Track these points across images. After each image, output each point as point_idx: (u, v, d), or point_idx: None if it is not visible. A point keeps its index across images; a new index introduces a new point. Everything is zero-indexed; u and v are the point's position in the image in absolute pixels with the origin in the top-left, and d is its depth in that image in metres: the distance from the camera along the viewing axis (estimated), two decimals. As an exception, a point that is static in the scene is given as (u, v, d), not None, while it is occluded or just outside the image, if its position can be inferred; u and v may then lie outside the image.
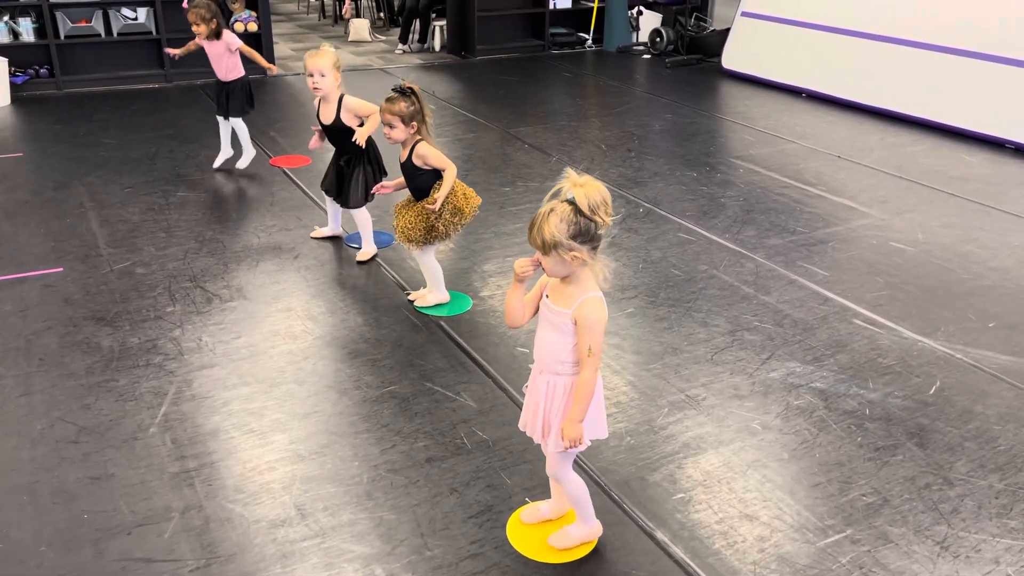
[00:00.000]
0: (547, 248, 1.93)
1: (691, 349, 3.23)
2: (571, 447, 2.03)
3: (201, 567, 2.17)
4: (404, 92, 3.18)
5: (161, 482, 2.48)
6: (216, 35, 4.78)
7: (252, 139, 5.17)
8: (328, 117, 3.78)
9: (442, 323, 3.42)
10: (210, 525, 2.31)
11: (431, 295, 3.50)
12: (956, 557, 2.23)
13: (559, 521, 2.34)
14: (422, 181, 3.29)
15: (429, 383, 2.99)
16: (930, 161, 5.48)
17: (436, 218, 3.28)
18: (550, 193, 1.96)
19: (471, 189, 3.41)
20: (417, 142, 3.24)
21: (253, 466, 2.55)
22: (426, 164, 3.26)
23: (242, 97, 4.92)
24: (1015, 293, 3.70)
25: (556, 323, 2.03)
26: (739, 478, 2.53)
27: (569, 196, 1.92)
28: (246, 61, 4.91)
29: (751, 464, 2.59)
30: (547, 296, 2.07)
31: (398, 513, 2.37)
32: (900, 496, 2.46)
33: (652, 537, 2.30)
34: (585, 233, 1.93)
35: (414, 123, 3.20)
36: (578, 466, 2.56)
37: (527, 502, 2.41)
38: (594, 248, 1.96)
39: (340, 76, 3.74)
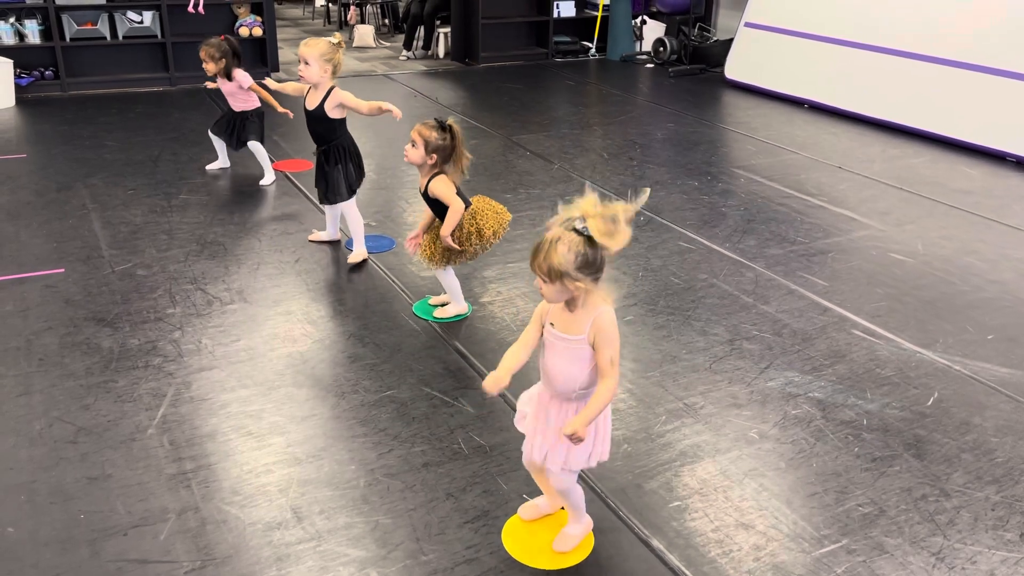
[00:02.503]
0: (552, 276, 1.89)
1: (690, 357, 3.23)
2: (572, 440, 1.98)
3: (196, 568, 2.17)
4: (442, 125, 3.17)
5: (158, 483, 2.48)
6: (226, 75, 4.79)
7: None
8: (312, 103, 3.78)
9: (441, 329, 3.42)
10: (206, 527, 2.32)
11: (451, 307, 3.51)
12: (952, 569, 2.23)
13: (555, 523, 2.34)
14: (438, 211, 3.29)
15: (427, 388, 3.00)
16: (931, 173, 5.49)
17: (457, 244, 3.29)
18: (562, 216, 1.91)
19: (500, 206, 3.37)
20: (435, 175, 3.23)
21: (250, 468, 2.56)
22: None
23: (257, 123, 4.93)
24: (1014, 306, 3.70)
25: (571, 351, 1.99)
26: (736, 487, 2.53)
27: (579, 227, 1.88)
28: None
29: (748, 473, 2.59)
30: (552, 325, 2.02)
31: (394, 517, 2.37)
32: (896, 507, 2.46)
33: (648, 545, 2.30)
34: (592, 264, 1.90)
35: (434, 156, 3.19)
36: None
37: (525, 499, 2.42)
38: (597, 279, 1.93)
39: (330, 69, 3.71)
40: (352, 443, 2.69)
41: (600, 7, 9.10)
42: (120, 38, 7.31)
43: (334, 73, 3.74)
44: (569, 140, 6.10)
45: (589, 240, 1.88)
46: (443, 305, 3.54)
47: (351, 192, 3.88)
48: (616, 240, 1.87)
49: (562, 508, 2.37)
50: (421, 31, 9.40)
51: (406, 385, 3.01)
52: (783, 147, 6.01)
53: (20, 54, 6.98)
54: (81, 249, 4.06)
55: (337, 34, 3.80)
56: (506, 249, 4.16)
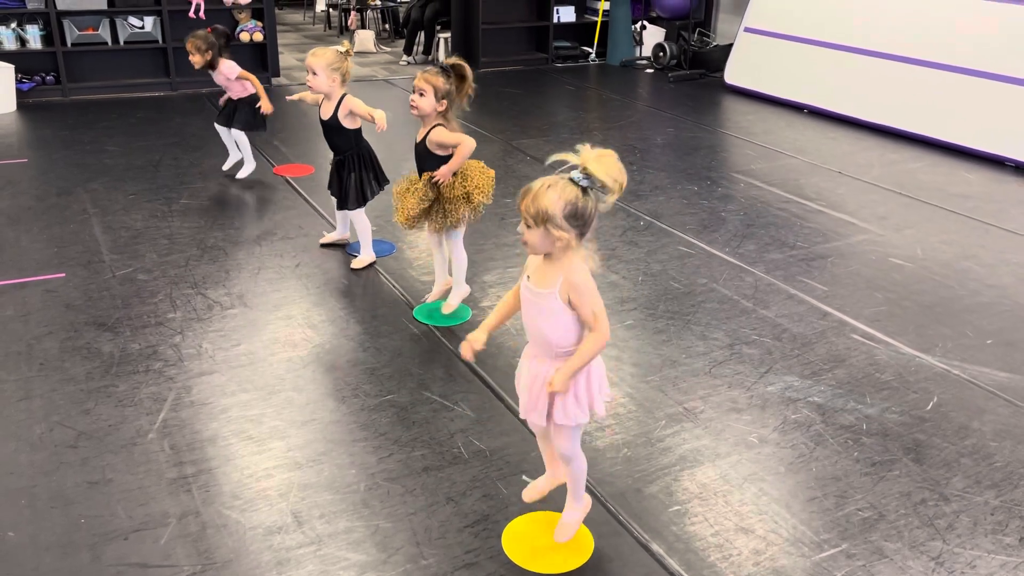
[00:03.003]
0: (538, 220, 1.86)
1: (689, 362, 3.24)
2: (554, 391, 1.97)
3: (197, 573, 2.18)
4: (446, 69, 3.14)
5: (159, 488, 2.49)
6: (211, 66, 4.83)
7: (255, 148, 5.20)
8: (326, 113, 3.80)
9: (441, 333, 3.43)
10: (207, 531, 2.32)
11: (454, 295, 3.50)
12: (951, 573, 2.23)
13: (555, 526, 2.33)
14: (432, 166, 3.27)
15: (427, 392, 3.00)
16: (930, 178, 5.50)
17: (444, 195, 3.23)
18: (561, 165, 1.89)
19: (480, 163, 3.33)
20: (435, 126, 3.20)
21: (250, 473, 2.56)
22: (439, 150, 3.24)
23: (250, 111, 4.94)
24: (1013, 310, 3.70)
25: (543, 307, 1.97)
26: (735, 491, 2.53)
27: (576, 177, 1.85)
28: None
29: (747, 477, 2.59)
30: (528, 278, 2.00)
31: (394, 521, 2.37)
32: (896, 511, 2.46)
33: (648, 549, 2.31)
34: (579, 216, 1.87)
35: (444, 102, 3.16)
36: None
37: (525, 480, 2.43)
38: (582, 235, 1.90)
39: (338, 78, 3.71)
40: (352, 447, 2.69)
41: (600, 12, 9.13)
42: (121, 43, 7.33)
43: (343, 82, 3.74)
44: (569, 145, 6.04)
45: (583, 191, 1.86)
46: (444, 300, 3.54)
47: (363, 201, 3.90)
48: (613, 174, 1.84)
49: (563, 485, 2.32)
50: (421, 36, 9.43)
51: (406, 389, 3.02)
52: (782, 152, 6.02)
53: (21, 59, 6.99)
54: (82, 254, 4.07)
55: (345, 42, 3.80)
56: (506, 254, 4.17)
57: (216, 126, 5.13)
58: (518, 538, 2.32)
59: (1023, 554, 2.31)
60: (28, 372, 3.06)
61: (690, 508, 2.46)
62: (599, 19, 9.17)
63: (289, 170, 5.35)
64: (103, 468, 2.56)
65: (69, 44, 7.13)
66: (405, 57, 9.34)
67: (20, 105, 6.78)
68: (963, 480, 2.60)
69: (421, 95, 3.16)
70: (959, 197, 5.13)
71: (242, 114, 4.95)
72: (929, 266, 4.14)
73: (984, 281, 3.98)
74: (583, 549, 2.29)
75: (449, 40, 9.20)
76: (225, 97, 5.02)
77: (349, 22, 10.83)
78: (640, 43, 9.16)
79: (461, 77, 3.18)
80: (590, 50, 9.27)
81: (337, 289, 3.81)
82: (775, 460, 2.68)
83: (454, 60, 3.18)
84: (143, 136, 6.07)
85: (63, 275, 3.83)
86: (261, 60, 7.97)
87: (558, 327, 1.98)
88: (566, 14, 9.14)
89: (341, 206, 3.94)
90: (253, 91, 4.93)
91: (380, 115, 3.66)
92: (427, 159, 3.28)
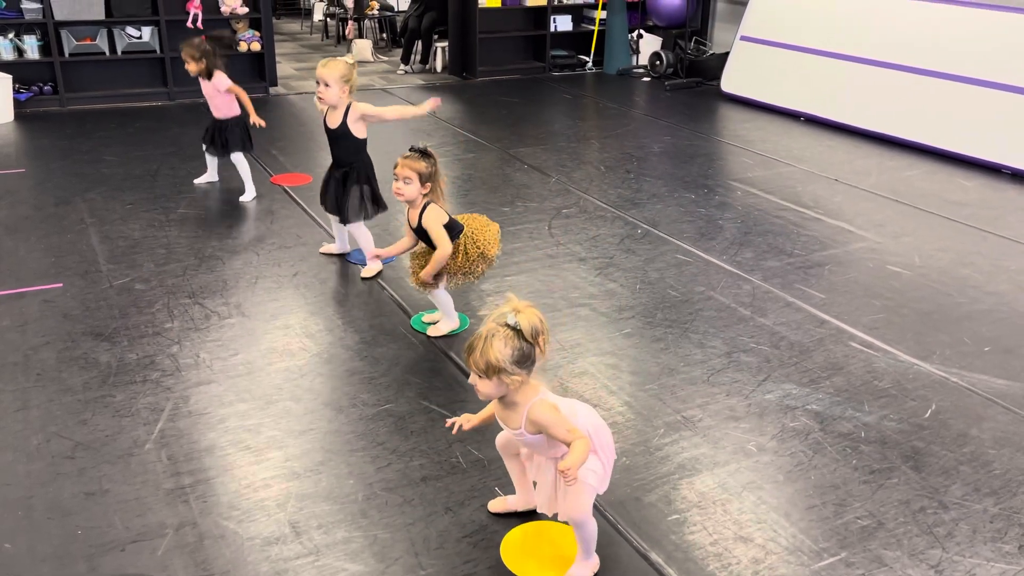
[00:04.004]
0: (489, 373, 1.95)
1: (687, 370, 3.24)
2: (574, 478, 2.02)
3: (194, 584, 2.17)
4: (424, 153, 3.20)
5: (156, 498, 2.48)
6: (207, 75, 4.79)
7: (252, 157, 5.20)
8: (334, 122, 3.83)
9: (439, 342, 3.43)
10: (204, 542, 2.31)
11: (443, 323, 3.51)
12: (950, 581, 2.23)
13: (555, 537, 2.33)
14: (431, 241, 3.31)
15: (425, 402, 3.00)
16: (927, 185, 5.51)
17: (459, 263, 3.32)
18: (492, 316, 2.00)
19: (484, 218, 3.40)
20: (427, 204, 3.24)
21: (248, 483, 2.55)
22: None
23: (239, 132, 4.91)
24: (1011, 317, 3.71)
25: (525, 442, 2.09)
26: (734, 500, 2.53)
27: (512, 321, 1.95)
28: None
29: (746, 486, 2.59)
30: (497, 417, 2.13)
31: (392, 531, 2.37)
32: (895, 519, 2.46)
33: (646, 558, 2.30)
34: (526, 359, 1.97)
35: (428, 184, 3.22)
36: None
37: (498, 493, 2.44)
38: (530, 372, 2.00)
39: (348, 89, 3.77)
40: (350, 457, 2.68)
41: (597, 21, 9.16)
42: (119, 53, 7.33)
43: (351, 92, 3.81)
44: (566, 153, 6.12)
45: (520, 334, 1.95)
46: (435, 323, 3.54)
47: (363, 217, 3.92)
48: (531, 316, 1.95)
49: (534, 511, 2.38)
50: (419, 45, 9.45)
51: (404, 399, 3.01)
52: (779, 160, 6.03)
53: (19, 69, 7.00)
54: (79, 264, 4.06)
55: (351, 55, 3.90)
56: (503, 263, 4.17)
57: (205, 153, 5.11)
58: (517, 548, 2.31)
59: (1022, 562, 2.30)
60: (25, 382, 3.06)
61: (689, 517, 2.45)
62: (596, 28, 9.20)
63: (287, 179, 5.36)
64: (100, 479, 2.55)
65: (67, 54, 7.14)
66: (403, 66, 9.36)
67: (18, 115, 6.78)
68: (962, 488, 2.60)
69: (407, 183, 3.20)
70: (956, 204, 5.14)
71: (232, 135, 4.90)
72: (927, 273, 4.14)
73: (982, 288, 3.99)
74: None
75: (446, 49, 9.22)
76: (211, 122, 4.93)
77: (347, 31, 10.85)
78: (637, 52, 9.18)
79: (430, 157, 3.22)
80: (587, 59, 9.30)
81: (335, 298, 3.81)
82: (774, 468, 2.67)
83: (424, 146, 3.23)
84: (141, 146, 6.07)
85: (61, 285, 3.83)
86: (259, 70, 7.98)
87: (544, 448, 2.09)
88: (563, 23, 9.17)
89: (344, 220, 3.96)
90: (238, 111, 4.89)
91: (426, 106, 3.89)
92: (427, 237, 3.30)
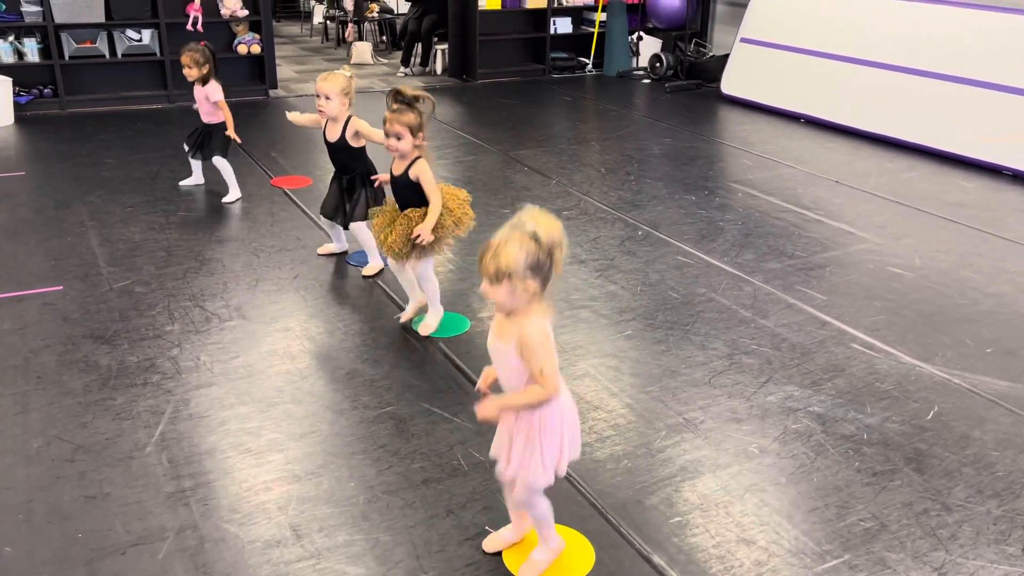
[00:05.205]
0: (500, 276, 1.85)
1: (689, 372, 3.23)
2: (482, 418, 1.98)
3: (195, 588, 2.16)
4: (410, 103, 3.14)
5: (156, 502, 2.47)
6: (203, 81, 4.83)
7: (252, 159, 5.20)
8: (334, 135, 3.84)
9: (440, 344, 3.42)
10: (204, 546, 2.30)
11: (431, 315, 3.50)
12: (954, 583, 2.23)
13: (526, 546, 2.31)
14: (413, 197, 3.28)
15: (426, 404, 2.99)
16: (927, 187, 5.51)
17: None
18: (508, 224, 1.91)
19: (453, 187, 3.38)
20: (417, 158, 3.22)
21: (249, 486, 2.55)
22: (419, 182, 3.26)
23: (220, 137, 4.93)
24: (1012, 319, 3.70)
25: (506, 362, 1.97)
26: (736, 502, 2.52)
27: (530, 228, 1.87)
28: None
29: (748, 488, 2.58)
30: (493, 332, 2.02)
31: (394, 534, 2.36)
32: (898, 521, 2.45)
33: (649, 561, 2.29)
34: (541, 267, 1.87)
35: (421, 134, 3.17)
36: (574, 489, 2.56)
37: (488, 531, 2.36)
38: (544, 286, 1.90)
39: (347, 101, 3.78)
40: (351, 460, 2.68)
41: (597, 23, 9.16)
42: (119, 56, 7.33)
43: (350, 105, 3.82)
44: (567, 155, 6.12)
45: (537, 240, 1.86)
46: (416, 319, 3.52)
47: (367, 217, 3.92)
48: (550, 225, 1.86)
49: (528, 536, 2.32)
50: (419, 48, 9.45)
51: (405, 401, 3.01)
52: (780, 161, 6.03)
53: (19, 72, 6.99)
54: (79, 266, 4.06)
55: (347, 67, 3.90)
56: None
57: (191, 160, 5.13)
58: (519, 551, 2.30)
59: (1026, 564, 2.30)
60: (25, 386, 3.05)
61: (691, 519, 2.44)
62: (596, 30, 9.20)
63: (286, 182, 5.35)
64: (100, 482, 2.55)
65: (67, 57, 7.14)
66: (403, 69, 9.36)
67: (18, 118, 6.78)
68: (965, 490, 2.59)
69: (399, 138, 3.15)
70: (956, 206, 5.14)
71: (216, 140, 4.91)
72: (928, 275, 4.14)
73: (983, 290, 3.98)
74: (584, 561, 2.27)
75: (446, 52, 9.22)
76: (199, 124, 4.96)
77: (346, 34, 10.85)
78: (637, 54, 9.18)
79: (418, 101, 3.17)
80: (587, 61, 9.30)
81: (335, 301, 3.80)
82: (776, 470, 2.67)
83: (413, 92, 3.16)
84: (140, 149, 6.07)
85: (60, 288, 3.82)
86: (259, 72, 7.98)
87: (521, 381, 1.97)
88: (563, 25, 9.17)
89: (346, 223, 3.96)
90: (223, 118, 4.92)
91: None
92: (408, 190, 3.26)
